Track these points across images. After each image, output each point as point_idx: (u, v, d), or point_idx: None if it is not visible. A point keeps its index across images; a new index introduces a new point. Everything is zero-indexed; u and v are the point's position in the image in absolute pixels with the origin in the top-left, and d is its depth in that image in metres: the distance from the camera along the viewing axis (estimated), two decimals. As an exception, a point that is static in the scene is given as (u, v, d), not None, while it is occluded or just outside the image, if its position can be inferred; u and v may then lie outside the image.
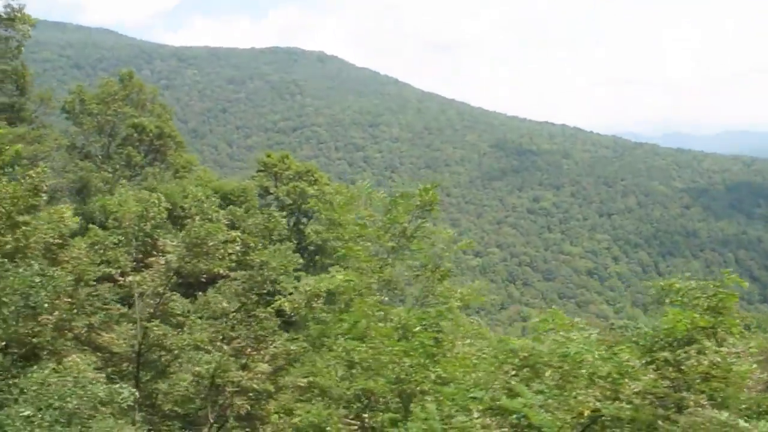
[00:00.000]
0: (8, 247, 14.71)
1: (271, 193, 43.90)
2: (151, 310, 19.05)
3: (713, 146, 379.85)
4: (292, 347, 19.80)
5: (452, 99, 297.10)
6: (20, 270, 13.49)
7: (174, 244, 18.83)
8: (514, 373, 10.50)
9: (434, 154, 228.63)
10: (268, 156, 47.59)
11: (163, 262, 18.58)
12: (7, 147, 16.48)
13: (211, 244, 18.15)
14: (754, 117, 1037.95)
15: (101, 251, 18.14)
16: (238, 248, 19.41)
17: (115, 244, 18.30)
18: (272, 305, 20.27)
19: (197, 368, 18.94)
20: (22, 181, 15.23)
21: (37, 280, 13.42)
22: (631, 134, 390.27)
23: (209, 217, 18.92)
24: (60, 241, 16.62)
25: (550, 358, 10.12)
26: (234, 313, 20.15)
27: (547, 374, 10.16)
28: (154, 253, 18.96)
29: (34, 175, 15.35)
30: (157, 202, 18.65)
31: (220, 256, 18.60)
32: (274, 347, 19.87)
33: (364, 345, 12.65)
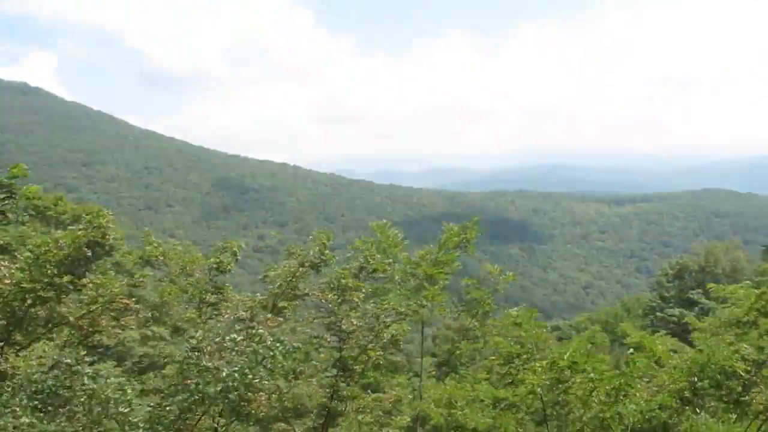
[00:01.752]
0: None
1: None
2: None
3: (421, 182, 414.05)
4: None
5: (172, 137, 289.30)
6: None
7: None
8: None
9: (155, 195, 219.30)
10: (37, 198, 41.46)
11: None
12: None
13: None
14: (453, 155, 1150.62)
15: None
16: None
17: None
18: None
19: None
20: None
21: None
22: (347, 171, 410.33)
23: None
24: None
25: None
26: None
27: None
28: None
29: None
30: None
31: None
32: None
33: None
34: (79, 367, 9.57)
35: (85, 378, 9.46)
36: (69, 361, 9.67)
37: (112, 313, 11.22)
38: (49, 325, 10.80)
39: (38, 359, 10.86)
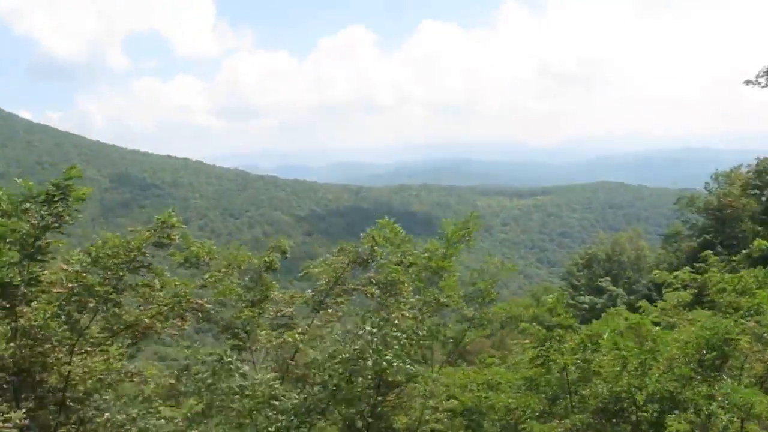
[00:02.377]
0: None
1: None
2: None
3: (325, 176, 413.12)
4: None
5: (67, 132, 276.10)
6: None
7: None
8: None
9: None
10: None
11: None
12: None
13: None
14: (357, 149, 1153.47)
15: None
16: None
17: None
18: None
19: None
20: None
21: None
22: (250, 167, 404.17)
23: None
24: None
25: None
26: None
27: None
28: None
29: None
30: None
31: None
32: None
33: None
34: (232, 364, 10.46)
35: (237, 375, 10.37)
36: (228, 359, 10.51)
37: (181, 312, 11.40)
38: (116, 327, 10.81)
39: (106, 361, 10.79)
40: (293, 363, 13.57)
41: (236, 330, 13.37)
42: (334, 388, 10.75)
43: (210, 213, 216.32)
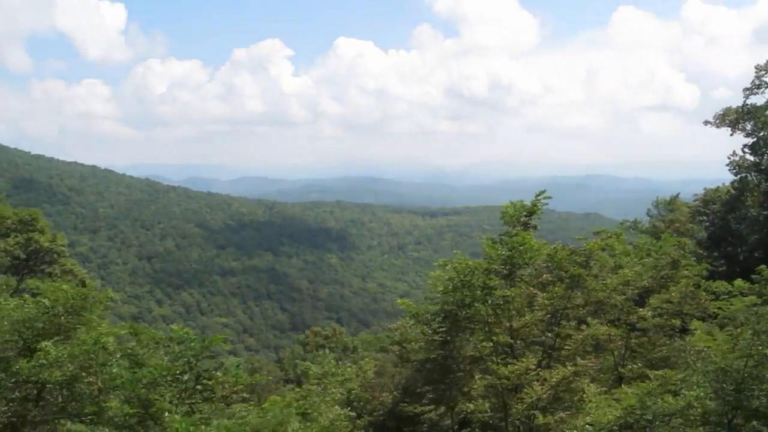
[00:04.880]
0: None
1: None
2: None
3: (235, 190, 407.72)
4: None
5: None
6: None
7: None
8: None
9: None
10: None
11: None
12: None
13: None
14: (265, 165, 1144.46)
15: None
16: None
17: None
18: None
19: None
20: None
21: None
22: (158, 177, 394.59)
23: None
24: None
25: None
26: None
27: None
28: None
29: None
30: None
31: None
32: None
33: None
34: None
35: None
36: None
37: None
38: None
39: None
40: None
41: None
42: None
43: (120, 223, 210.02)
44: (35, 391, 13.56)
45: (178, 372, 13.54)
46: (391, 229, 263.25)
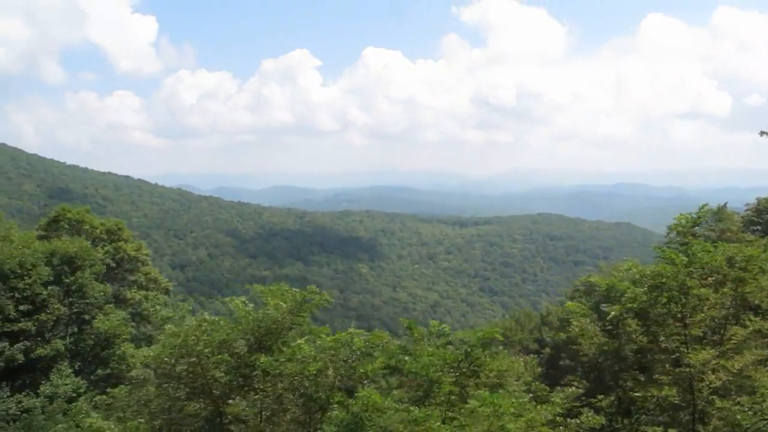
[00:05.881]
0: None
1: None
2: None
3: (265, 199, 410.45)
4: None
5: (3, 143, 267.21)
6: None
7: None
8: None
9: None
10: (66, 210, 38.19)
11: None
12: None
13: None
14: (294, 175, 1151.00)
15: None
16: None
17: None
18: None
19: None
20: None
21: None
22: (190, 187, 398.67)
23: None
24: None
25: None
26: None
27: None
28: None
29: None
30: None
31: None
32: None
33: None
34: None
35: None
36: None
37: None
38: None
39: None
40: None
41: None
42: None
43: (153, 232, 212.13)
44: (285, 384, 15.53)
45: (458, 360, 15.70)
46: (421, 238, 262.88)
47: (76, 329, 30.85)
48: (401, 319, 18.93)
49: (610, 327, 20.84)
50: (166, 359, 16.18)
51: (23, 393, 26.37)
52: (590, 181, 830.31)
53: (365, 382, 16.01)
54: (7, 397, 25.79)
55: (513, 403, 14.20)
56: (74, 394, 26.26)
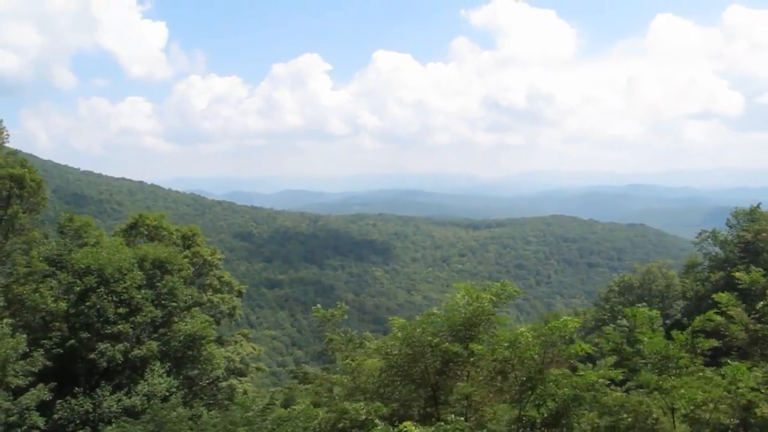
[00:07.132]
0: None
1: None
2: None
3: (277, 203, 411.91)
4: None
5: (17, 149, 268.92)
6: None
7: None
8: None
9: None
10: (144, 217, 38.96)
11: None
12: None
13: None
14: (306, 178, 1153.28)
15: None
16: None
17: None
18: None
19: None
20: None
21: None
22: (202, 192, 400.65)
23: None
24: None
25: None
26: None
27: None
28: None
29: None
30: None
31: None
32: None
33: None
34: None
35: None
36: None
37: None
38: None
39: None
40: None
41: None
42: None
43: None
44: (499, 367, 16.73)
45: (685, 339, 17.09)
46: (434, 241, 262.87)
47: (164, 331, 32.08)
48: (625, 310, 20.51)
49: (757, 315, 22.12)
50: (395, 352, 18.04)
51: (122, 392, 27.72)
52: (602, 183, 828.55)
53: (571, 361, 17.44)
54: (109, 395, 27.15)
55: (747, 374, 15.58)
56: (167, 393, 27.52)
